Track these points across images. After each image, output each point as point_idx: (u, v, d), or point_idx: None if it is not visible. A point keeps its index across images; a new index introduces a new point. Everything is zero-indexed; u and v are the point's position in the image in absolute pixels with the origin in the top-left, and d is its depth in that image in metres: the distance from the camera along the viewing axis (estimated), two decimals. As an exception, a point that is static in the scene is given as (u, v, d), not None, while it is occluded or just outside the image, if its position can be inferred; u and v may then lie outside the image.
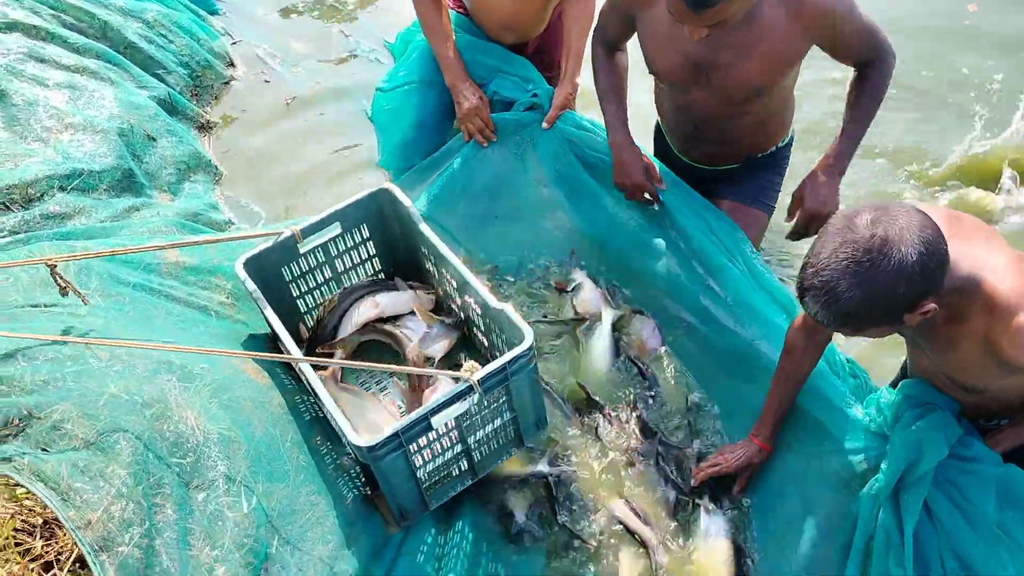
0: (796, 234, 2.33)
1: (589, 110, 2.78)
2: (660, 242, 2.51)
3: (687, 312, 2.46)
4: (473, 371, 1.82)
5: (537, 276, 2.64)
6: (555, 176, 2.68)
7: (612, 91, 2.48)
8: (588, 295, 2.53)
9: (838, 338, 2.19)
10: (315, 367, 2.00)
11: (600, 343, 2.44)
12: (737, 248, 2.37)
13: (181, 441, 1.67)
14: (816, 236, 1.54)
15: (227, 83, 3.81)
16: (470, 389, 1.82)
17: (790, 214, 2.34)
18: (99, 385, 1.68)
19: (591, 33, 2.52)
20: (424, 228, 2.21)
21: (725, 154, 2.55)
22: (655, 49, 2.29)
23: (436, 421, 1.80)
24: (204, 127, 3.54)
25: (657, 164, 2.51)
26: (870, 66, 2.17)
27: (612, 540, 2.11)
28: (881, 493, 1.91)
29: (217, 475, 1.66)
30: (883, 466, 1.95)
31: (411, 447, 1.84)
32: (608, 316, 2.47)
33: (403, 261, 2.45)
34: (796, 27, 2.08)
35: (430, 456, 1.93)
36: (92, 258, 2.03)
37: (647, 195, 2.48)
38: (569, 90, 2.65)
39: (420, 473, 1.93)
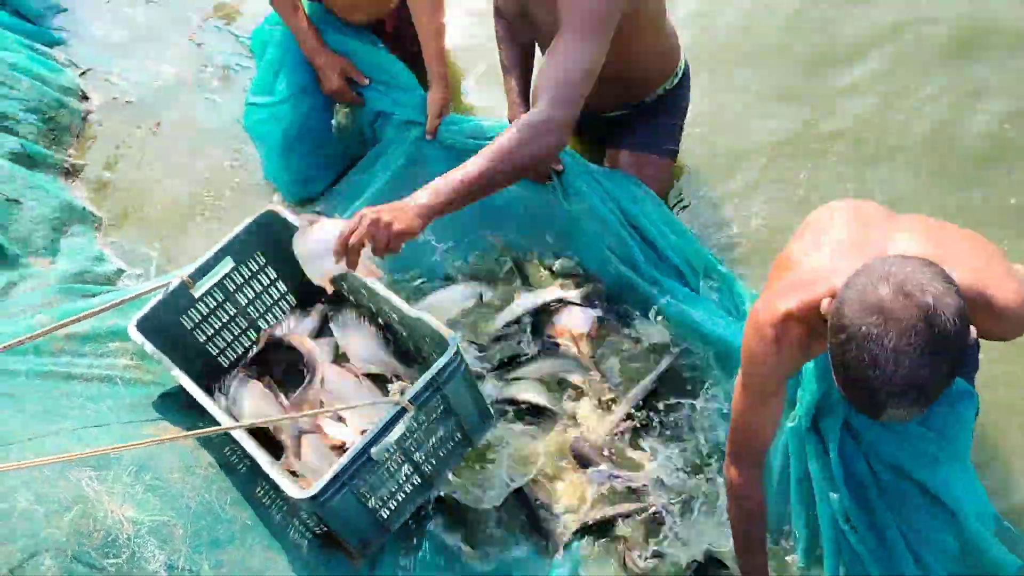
0: None
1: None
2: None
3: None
4: (402, 391, 1.74)
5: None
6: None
7: (512, 65, 2.44)
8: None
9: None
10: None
11: None
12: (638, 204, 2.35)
13: (111, 539, 1.57)
14: (840, 351, 1.31)
15: (85, 118, 3.53)
16: (403, 411, 1.74)
17: None
18: (6, 501, 1.55)
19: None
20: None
21: (603, 102, 2.39)
22: None
23: (376, 453, 1.72)
24: (70, 172, 3.29)
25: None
26: None
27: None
28: (802, 424, 1.91)
29: (158, 566, 1.57)
30: (799, 395, 1.94)
31: (356, 483, 1.76)
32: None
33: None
34: None
35: (379, 483, 1.85)
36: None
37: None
38: (440, 94, 2.48)
39: (372, 503, 1.86)
